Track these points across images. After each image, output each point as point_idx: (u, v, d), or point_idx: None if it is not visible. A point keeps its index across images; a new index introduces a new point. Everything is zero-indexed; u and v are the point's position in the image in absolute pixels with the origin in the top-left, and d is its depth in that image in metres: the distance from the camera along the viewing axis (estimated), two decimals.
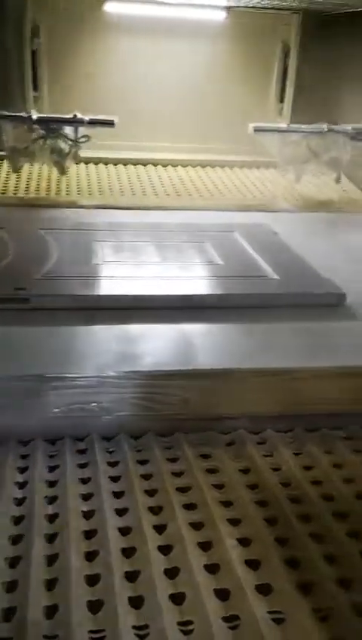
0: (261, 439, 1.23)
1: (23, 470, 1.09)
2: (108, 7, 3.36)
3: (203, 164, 3.51)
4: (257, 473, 1.11)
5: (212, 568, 0.87)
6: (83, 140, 2.43)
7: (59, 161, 2.46)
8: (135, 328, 1.41)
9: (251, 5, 3.42)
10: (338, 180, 2.76)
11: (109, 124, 2.46)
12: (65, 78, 3.47)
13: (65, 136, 2.43)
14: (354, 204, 2.81)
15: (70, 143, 2.44)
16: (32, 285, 1.53)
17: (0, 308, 1.45)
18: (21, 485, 1.05)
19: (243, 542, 0.93)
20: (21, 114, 2.45)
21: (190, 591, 0.82)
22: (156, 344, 1.35)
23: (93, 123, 2.44)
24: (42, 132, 2.40)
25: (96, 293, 1.55)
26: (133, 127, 3.53)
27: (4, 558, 0.87)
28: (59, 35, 3.40)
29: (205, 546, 0.92)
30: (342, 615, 0.80)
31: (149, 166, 3.40)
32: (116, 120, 2.49)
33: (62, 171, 2.49)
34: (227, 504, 1.02)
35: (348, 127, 2.68)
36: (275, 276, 1.68)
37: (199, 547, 0.91)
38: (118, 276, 1.66)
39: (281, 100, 3.81)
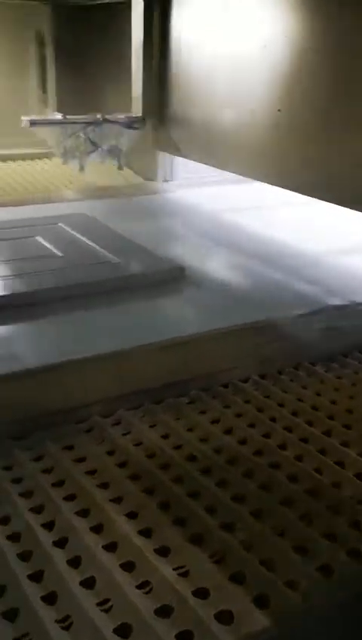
0: (115, 420, 1.28)
1: None
2: None
3: None
4: (122, 452, 1.16)
5: (111, 547, 0.91)
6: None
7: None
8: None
9: None
10: (120, 168, 2.86)
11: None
12: None
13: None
14: (138, 189, 2.95)
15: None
16: None
17: None
18: None
19: (131, 515, 0.98)
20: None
21: (98, 574, 0.86)
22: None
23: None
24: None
25: None
26: None
27: None
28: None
29: (98, 529, 0.95)
30: (233, 554, 0.90)
31: None
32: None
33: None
34: (104, 486, 1.06)
35: (122, 116, 2.78)
36: (117, 260, 1.75)
37: (92, 531, 0.94)
38: None
39: (44, 90, 3.80)
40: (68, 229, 2.01)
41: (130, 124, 2.75)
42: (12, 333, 1.42)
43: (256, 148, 2.30)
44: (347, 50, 1.88)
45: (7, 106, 3.65)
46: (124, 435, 1.23)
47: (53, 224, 2.07)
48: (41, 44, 3.71)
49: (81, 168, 2.83)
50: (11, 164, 3.45)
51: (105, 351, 1.37)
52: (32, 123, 2.70)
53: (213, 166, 2.65)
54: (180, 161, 3.13)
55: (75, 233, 1.97)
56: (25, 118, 2.71)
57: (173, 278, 1.73)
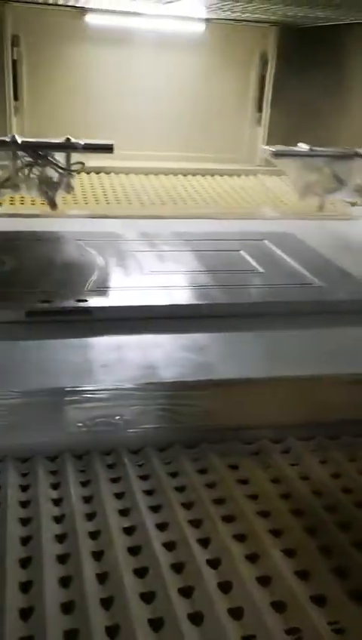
0: (284, 448, 1.23)
1: (55, 486, 1.07)
2: (89, 19, 3.35)
3: (184, 173, 3.53)
4: (287, 483, 1.11)
5: (264, 581, 0.87)
6: (76, 167, 2.02)
7: (49, 192, 2.05)
8: (202, 337, 1.42)
9: (230, 18, 3.46)
10: (354, 204, 2.63)
11: (107, 149, 2.08)
12: (45, 88, 3.46)
13: (56, 164, 2.02)
14: (343, 213, 2.87)
15: (61, 171, 2.04)
16: (91, 297, 1.53)
17: (62, 320, 1.43)
18: (56, 502, 1.03)
19: (289, 553, 0.93)
20: (3, 138, 1.99)
21: (247, 605, 0.82)
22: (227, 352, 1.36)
23: (88, 148, 2.03)
24: (28, 159, 1.99)
25: (155, 304, 1.54)
26: (114, 136, 3.55)
27: (57, 578, 0.85)
28: (40, 45, 3.38)
29: (253, 558, 0.91)
30: None
31: (131, 175, 3.42)
32: (113, 143, 2.10)
33: (53, 205, 2.07)
34: (265, 515, 1.02)
35: None
36: (320, 283, 1.72)
37: (247, 560, 0.91)
38: (171, 286, 1.65)
39: (259, 109, 3.87)
40: (273, 246, 2.01)
41: None
42: (209, 342, 1.42)
43: None
44: None
45: (221, 123, 3.78)
46: (292, 465, 1.17)
47: (259, 240, 2.08)
48: (263, 64, 3.77)
49: (320, 208, 2.54)
50: (217, 179, 3.56)
51: (287, 374, 1.32)
52: (276, 154, 2.44)
53: None
54: None
55: (279, 252, 1.96)
56: (267, 148, 2.47)
57: None
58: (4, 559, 0.88)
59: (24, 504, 1.02)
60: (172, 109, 3.65)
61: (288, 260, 1.90)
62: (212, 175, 3.59)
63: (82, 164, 2.03)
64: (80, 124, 3.46)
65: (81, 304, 1.49)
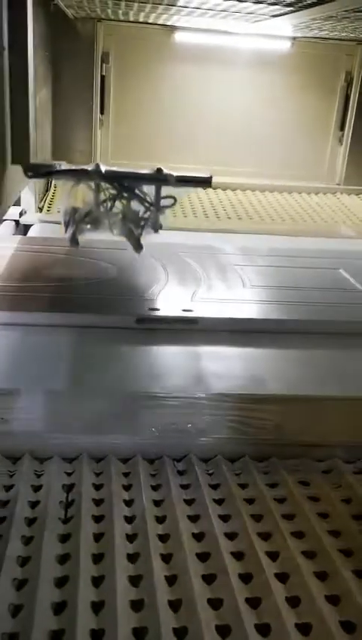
0: (357, 469, 1.21)
1: (127, 488, 1.09)
2: (177, 37, 3.43)
3: (264, 189, 3.55)
4: (359, 503, 1.09)
5: (333, 599, 0.86)
6: (167, 202, 1.68)
7: (135, 231, 1.71)
8: (305, 353, 1.45)
9: (316, 36, 3.46)
10: None
11: (204, 182, 1.75)
12: (131, 104, 3.56)
13: (143, 198, 1.69)
14: None
15: (148, 205, 1.70)
16: (196, 307, 1.59)
17: (169, 328, 1.50)
18: (128, 503, 1.05)
19: (359, 574, 0.91)
20: (85, 167, 1.66)
21: (316, 622, 0.81)
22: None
23: (183, 181, 1.69)
24: (112, 192, 1.68)
25: (256, 317, 1.60)
26: (198, 152, 3.61)
27: (127, 576, 0.87)
28: (129, 63, 3.49)
29: (322, 576, 0.90)
30: None
31: (228, 190, 3.47)
32: (211, 176, 1.74)
33: (138, 247, 1.72)
34: (335, 534, 1.00)
35: None
36: None
37: (316, 577, 0.90)
38: (273, 301, 1.69)
39: (342, 127, 3.84)
40: None
41: None
42: (299, 358, 1.44)
43: None
44: None
45: (303, 141, 3.78)
46: None
47: (359, 259, 2.10)
48: (349, 83, 3.75)
49: None
50: (296, 196, 3.55)
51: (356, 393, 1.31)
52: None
53: None
54: None
55: None
56: None
57: None
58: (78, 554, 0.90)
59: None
60: (255, 126, 3.67)
61: None
62: (290, 192, 3.59)
63: (174, 199, 1.70)
64: (164, 140, 3.55)
65: (187, 314, 1.55)
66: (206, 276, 1.82)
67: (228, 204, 3.26)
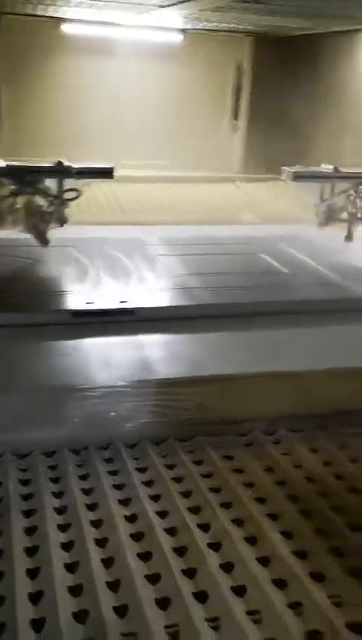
0: (276, 439, 1.27)
1: (55, 480, 1.09)
2: (65, 28, 3.39)
3: (167, 181, 3.57)
4: (281, 471, 1.15)
5: (264, 561, 0.90)
6: (71, 195, 1.69)
7: (39, 226, 1.71)
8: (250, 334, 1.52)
9: (206, 28, 3.53)
10: None
11: (105, 173, 1.78)
12: (28, 98, 3.48)
13: (46, 192, 1.68)
14: None
15: (52, 199, 1.70)
16: (131, 298, 1.62)
17: (108, 321, 1.51)
18: (57, 495, 1.05)
19: (287, 535, 0.96)
20: None
21: (249, 583, 0.85)
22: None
23: (84, 173, 1.70)
24: (13, 187, 1.65)
25: (190, 304, 1.65)
26: (102, 146, 3.59)
27: (63, 564, 0.87)
28: (21, 56, 3.41)
29: (252, 541, 0.94)
30: None
31: (135, 183, 3.45)
32: (113, 167, 1.79)
33: (44, 240, 1.73)
34: (261, 500, 1.05)
35: None
36: (344, 282, 1.84)
37: (246, 542, 0.94)
38: (202, 287, 1.75)
39: (236, 117, 3.94)
40: (289, 249, 2.13)
41: None
42: (218, 341, 1.50)
43: None
44: None
45: (199, 131, 3.84)
46: (284, 454, 1.21)
47: (276, 243, 2.21)
48: (239, 73, 3.85)
49: (349, 237, 2.21)
50: (197, 186, 3.60)
51: (279, 369, 1.36)
52: (297, 176, 2.17)
53: None
54: None
55: (297, 253, 2.08)
56: (288, 169, 2.18)
57: None
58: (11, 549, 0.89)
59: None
60: (151, 118, 3.70)
61: (309, 261, 2.02)
62: (192, 183, 3.64)
63: (77, 191, 1.70)
64: (64, 135, 3.50)
65: (123, 305, 1.58)
66: (134, 268, 1.85)
67: (133, 196, 3.27)
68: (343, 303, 1.75)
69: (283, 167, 2.08)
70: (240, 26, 3.37)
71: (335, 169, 2.15)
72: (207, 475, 1.12)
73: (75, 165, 1.69)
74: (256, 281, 1.86)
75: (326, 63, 3.31)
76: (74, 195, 1.71)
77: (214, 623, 0.78)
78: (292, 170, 2.14)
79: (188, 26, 3.51)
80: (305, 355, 1.44)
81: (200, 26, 3.41)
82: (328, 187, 2.22)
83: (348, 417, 1.33)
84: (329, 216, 2.23)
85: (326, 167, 2.20)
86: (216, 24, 3.30)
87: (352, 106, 2.99)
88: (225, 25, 3.32)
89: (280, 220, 2.88)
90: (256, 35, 3.71)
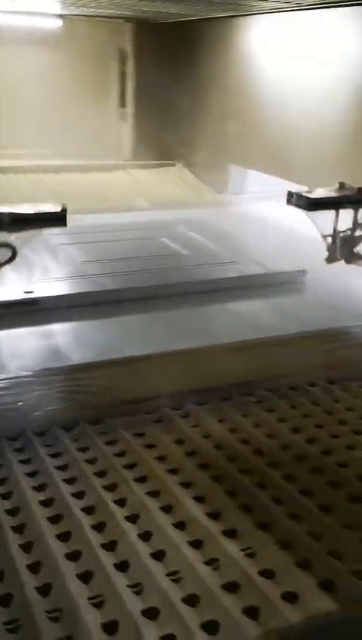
0: (184, 413, 1.32)
1: None
2: None
3: (57, 170, 3.53)
4: (191, 442, 1.20)
5: (180, 525, 0.94)
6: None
7: None
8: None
9: (85, 14, 3.49)
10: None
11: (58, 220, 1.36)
12: None
13: None
14: (212, 201, 3.05)
15: None
16: (36, 288, 1.62)
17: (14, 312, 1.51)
18: None
19: (200, 499, 1.01)
20: None
21: (168, 548, 0.89)
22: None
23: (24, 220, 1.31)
24: None
25: (94, 290, 1.67)
26: None
27: None
28: None
29: (167, 509, 0.98)
30: (301, 541, 0.91)
31: (26, 173, 3.38)
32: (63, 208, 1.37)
33: None
34: (174, 472, 1.09)
35: None
36: (241, 261, 1.93)
37: (163, 511, 0.98)
38: (105, 273, 1.78)
39: (123, 104, 3.95)
40: (187, 231, 2.22)
41: None
42: (122, 325, 1.55)
43: (326, 160, 2.33)
44: None
45: (87, 119, 3.81)
46: (193, 427, 1.26)
47: (175, 226, 2.30)
48: (122, 60, 3.85)
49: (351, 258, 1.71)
50: (89, 174, 3.59)
51: (178, 348, 1.41)
52: (312, 203, 1.60)
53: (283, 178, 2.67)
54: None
55: (196, 235, 2.17)
56: (302, 194, 1.62)
57: (293, 280, 1.86)
58: None
59: None
60: (38, 107, 3.62)
61: (207, 242, 2.12)
62: (83, 171, 3.62)
63: (13, 250, 1.34)
64: None
65: (29, 295, 1.58)
66: (37, 258, 1.86)
67: (24, 186, 3.20)
68: (238, 280, 1.84)
69: (289, 191, 1.63)
70: (119, 12, 3.36)
71: (360, 190, 1.64)
72: (120, 454, 1.15)
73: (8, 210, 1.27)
74: (157, 264, 1.91)
75: (205, 50, 3.38)
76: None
77: (137, 587, 0.81)
78: (309, 195, 1.62)
79: (66, 12, 3.47)
80: (206, 332, 1.50)
81: (78, 11, 3.37)
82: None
83: (248, 387, 1.40)
84: (348, 248, 1.69)
85: (347, 188, 1.67)
86: (93, 10, 3.28)
87: (233, 92, 3.08)
88: (104, 11, 3.31)
89: (176, 205, 2.94)
90: (136, 21, 3.72)
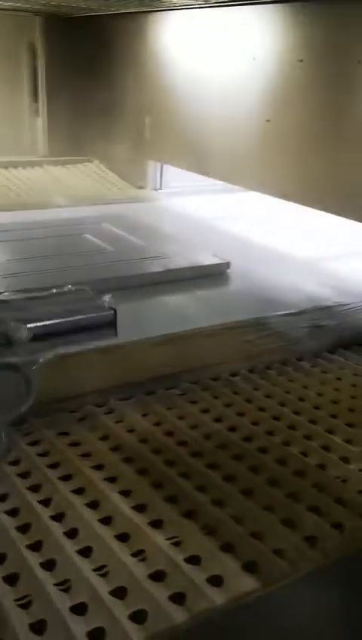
0: (108, 409, 1.32)
1: None
2: None
3: None
4: (115, 437, 1.20)
5: (106, 520, 0.95)
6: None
7: None
8: None
9: None
10: None
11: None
12: None
13: None
14: (131, 196, 3.05)
15: None
16: None
17: None
18: None
19: (125, 493, 1.02)
20: None
21: (95, 544, 0.89)
22: None
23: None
24: None
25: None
26: None
27: None
28: None
29: (94, 505, 0.99)
30: (225, 526, 0.94)
31: None
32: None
33: None
34: (99, 467, 1.10)
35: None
36: (166, 255, 1.95)
37: (88, 507, 0.98)
38: (28, 271, 1.76)
39: (36, 100, 3.87)
40: (112, 227, 2.23)
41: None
42: None
43: (242, 156, 2.38)
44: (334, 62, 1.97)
45: (2, 118, 3.73)
46: (117, 422, 1.27)
47: (98, 222, 2.29)
48: (33, 55, 3.77)
49: None
50: (1, 171, 3.51)
51: (102, 344, 1.41)
52: None
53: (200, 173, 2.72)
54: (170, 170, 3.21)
55: (118, 231, 2.18)
56: None
57: (217, 272, 1.89)
58: None
59: None
60: None
61: (132, 238, 2.13)
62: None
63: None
64: None
65: None
66: None
67: None
68: (164, 275, 1.87)
69: None
70: (27, 5, 3.29)
71: None
72: (44, 454, 1.14)
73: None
74: (83, 261, 1.90)
75: (120, 45, 3.37)
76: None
77: (64, 585, 0.81)
78: None
79: None
80: (134, 327, 1.50)
81: None
82: None
83: (172, 380, 1.42)
84: None
85: None
86: (0, 2, 3.20)
87: (149, 88, 3.09)
88: (11, 4, 3.23)
89: (96, 201, 2.93)
90: (46, 15, 3.66)
